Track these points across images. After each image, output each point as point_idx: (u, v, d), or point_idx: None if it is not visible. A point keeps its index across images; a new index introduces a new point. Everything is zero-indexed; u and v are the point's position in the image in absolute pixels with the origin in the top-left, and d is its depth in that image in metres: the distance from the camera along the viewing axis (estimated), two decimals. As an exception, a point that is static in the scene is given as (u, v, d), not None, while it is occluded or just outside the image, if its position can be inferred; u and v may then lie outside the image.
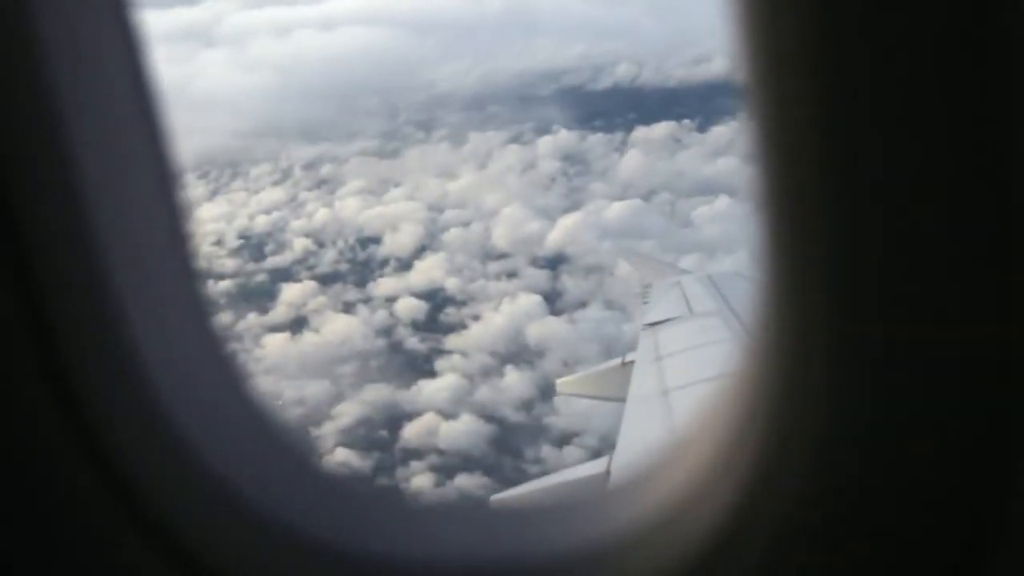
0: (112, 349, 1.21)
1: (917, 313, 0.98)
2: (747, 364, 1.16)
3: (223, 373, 1.40)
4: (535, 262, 61.63)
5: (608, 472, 9.21)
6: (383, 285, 61.45)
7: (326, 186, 78.89)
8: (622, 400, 10.95)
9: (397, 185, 76.77)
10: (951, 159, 0.93)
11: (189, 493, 1.27)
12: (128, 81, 1.23)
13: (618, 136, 76.76)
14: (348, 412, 48.76)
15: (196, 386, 1.32)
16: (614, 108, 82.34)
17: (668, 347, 11.99)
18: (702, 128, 70.74)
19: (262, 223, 72.44)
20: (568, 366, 49.68)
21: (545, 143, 78.20)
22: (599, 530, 1.25)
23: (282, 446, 1.40)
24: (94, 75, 1.18)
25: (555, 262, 61.09)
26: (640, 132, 74.99)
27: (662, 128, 72.55)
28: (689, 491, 1.20)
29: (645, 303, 14.85)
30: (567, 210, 66.97)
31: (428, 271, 62.19)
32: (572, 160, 75.54)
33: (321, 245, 68.03)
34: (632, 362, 12.15)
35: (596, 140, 76.86)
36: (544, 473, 41.62)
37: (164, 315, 1.30)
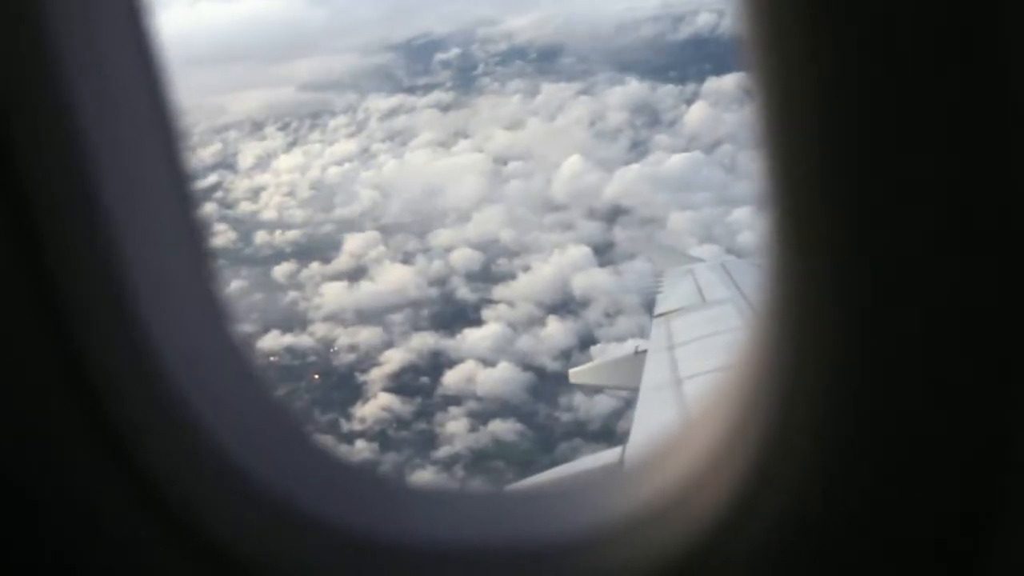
0: (127, 340, 1.21)
1: (922, 308, 0.99)
2: (752, 353, 1.18)
3: (234, 361, 1.40)
4: (590, 214, 62.36)
5: (622, 461, 9.20)
6: (442, 236, 62.97)
7: (399, 138, 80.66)
8: (635, 389, 11.01)
9: (466, 137, 77.98)
10: (958, 152, 0.93)
11: (202, 478, 1.28)
12: (139, 73, 1.24)
13: (690, 87, 76.40)
14: (395, 359, 50.56)
15: (208, 373, 1.33)
16: (690, 58, 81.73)
17: (681, 336, 12.04)
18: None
19: (333, 174, 74.60)
20: (610, 316, 50.61)
21: (615, 94, 78.37)
22: (604, 515, 1.27)
23: (296, 434, 1.41)
24: (106, 69, 1.20)
25: (610, 214, 61.69)
26: (712, 83, 74.57)
27: (733, 79, 71.93)
28: (692, 477, 1.21)
29: (659, 292, 14.75)
30: (629, 162, 67.27)
31: (486, 222, 63.46)
32: (640, 111, 75.55)
33: (388, 196, 69.77)
34: (645, 351, 12.15)
35: (666, 91, 76.59)
36: (574, 422, 42.86)
37: (177, 306, 1.31)
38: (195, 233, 1.35)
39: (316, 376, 51.12)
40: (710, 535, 1.16)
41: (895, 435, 1.05)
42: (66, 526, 1.29)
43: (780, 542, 1.13)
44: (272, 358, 52.14)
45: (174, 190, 1.31)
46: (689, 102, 74.41)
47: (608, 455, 10.06)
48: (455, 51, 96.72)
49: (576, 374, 15.50)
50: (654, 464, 1.32)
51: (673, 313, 13.08)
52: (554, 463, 39.52)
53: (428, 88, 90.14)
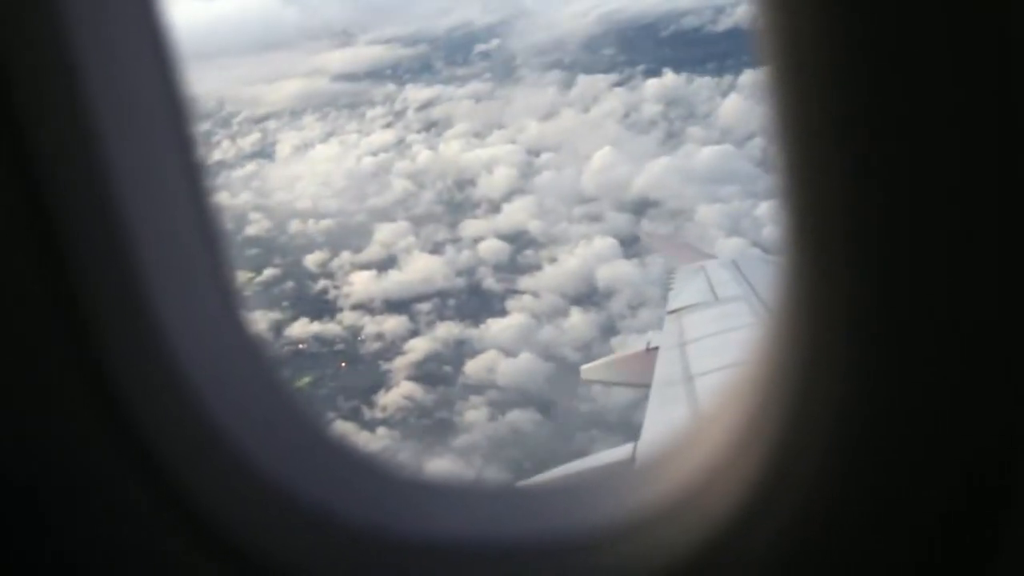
0: (142, 338, 1.22)
1: (936, 306, 0.99)
2: (764, 350, 1.17)
3: (250, 356, 1.40)
4: (619, 206, 62.42)
5: (633, 458, 9.28)
6: (471, 226, 63.39)
7: (434, 128, 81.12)
8: (647, 386, 11.07)
9: (501, 128, 78.30)
10: (976, 148, 0.92)
11: (218, 474, 1.28)
12: (153, 71, 1.24)
13: (727, 79, 76.05)
14: (419, 348, 51.06)
15: (223, 369, 1.33)
16: (728, 50, 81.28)
17: (693, 333, 12.13)
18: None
19: (368, 164, 75.26)
20: (633, 308, 50.72)
21: (651, 86, 78.17)
22: (615, 512, 1.27)
23: (312, 430, 1.41)
24: (120, 69, 1.19)
25: (638, 206, 61.72)
26: (749, 76, 74.07)
27: (770, 71, 71.22)
28: (704, 475, 1.21)
29: (670, 289, 14.87)
30: (660, 154, 67.17)
31: (516, 213, 63.75)
32: (675, 104, 75.34)
33: (421, 186, 70.33)
34: (657, 348, 12.23)
35: (702, 84, 76.35)
36: (593, 413, 43.06)
37: (193, 302, 1.30)
38: (209, 227, 1.34)
39: (343, 364, 51.79)
40: (722, 533, 1.16)
41: (907, 434, 1.05)
42: (81, 522, 1.30)
43: (792, 540, 1.13)
44: (301, 345, 52.98)
45: (188, 187, 1.31)
46: (725, 95, 74.14)
47: (620, 452, 10.12)
48: (495, 42, 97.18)
49: (588, 370, 15.43)
50: (666, 461, 1.32)
51: (685, 310, 13.12)
52: (571, 453, 40.16)
53: (466, 79, 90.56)
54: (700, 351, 11.37)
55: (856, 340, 1.02)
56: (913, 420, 1.04)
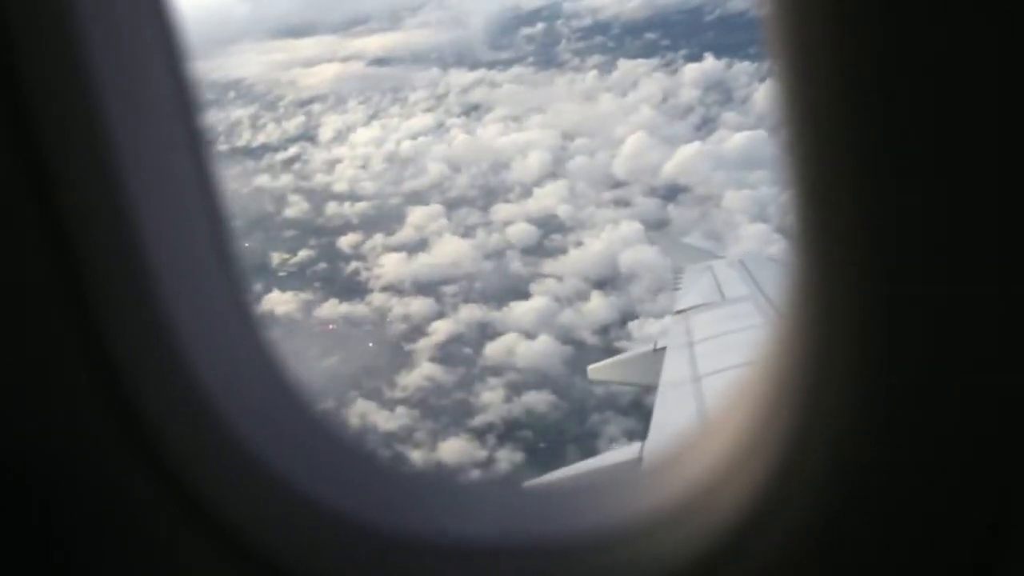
0: (151, 336, 1.21)
1: (946, 306, 0.98)
2: (773, 351, 1.16)
3: (258, 354, 1.39)
4: (649, 191, 62.74)
5: (641, 458, 9.22)
6: (502, 210, 64.17)
7: (474, 112, 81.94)
8: (654, 386, 10.87)
9: (539, 112, 78.84)
10: (987, 148, 0.91)
11: (225, 471, 1.28)
12: (164, 71, 1.24)
13: (766, 65, 75.48)
14: (443, 329, 52.02)
15: (231, 366, 1.33)
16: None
17: (700, 333, 11.88)
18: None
19: (407, 148, 76.32)
20: (653, 293, 51.14)
21: (691, 71, 78.09)
22: (623, 513, 1.26)
23: (320, 428, 1.41)
24: (130, 62, 1.19)
25: (668, 191, 61.97)
26: (789, 60, 73.52)
27: (810, 56, 70.64)
28: (712, 476, 1.20)
29: (677, 289, 14.58)
30: (694, 140, 67.28)
31: (546, 197, 64.42)
32: (714, 89, 75.21)
33: (457, 170, 71.22)
34: (664, 348, 11.94)
35: (742, 68, 76.07)
36: (607, 395, 43.52)
37: (201, 298, 1.30)
38: (219, 224, 1.33)
39: (370, 344, 52.94)
40: (730, 535, 1.15)
41: (916, 435, 1.04)
42: (88, 518, 1.30)
43: (800, 543, 1.12)
44: (331, 326, 54.25)
45: (198, 183, 1.31)
46: (763, 80, 73.77)
47: (628, 452, 9.98)
48: (540, 26, 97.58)
49: (595, 370, 14.82)
50: (674, 462, 1.32)
51: (692, 310, 12.89)
52: (583, 433, 40.72)
53: (509, 63, 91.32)
54: (707, 351, 11.14)
55: (864, 341, 1.02)
56: (920, 422, 1.03)
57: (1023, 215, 0.93)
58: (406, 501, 1.37)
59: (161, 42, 1.23)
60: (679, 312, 12.95)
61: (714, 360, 10.67)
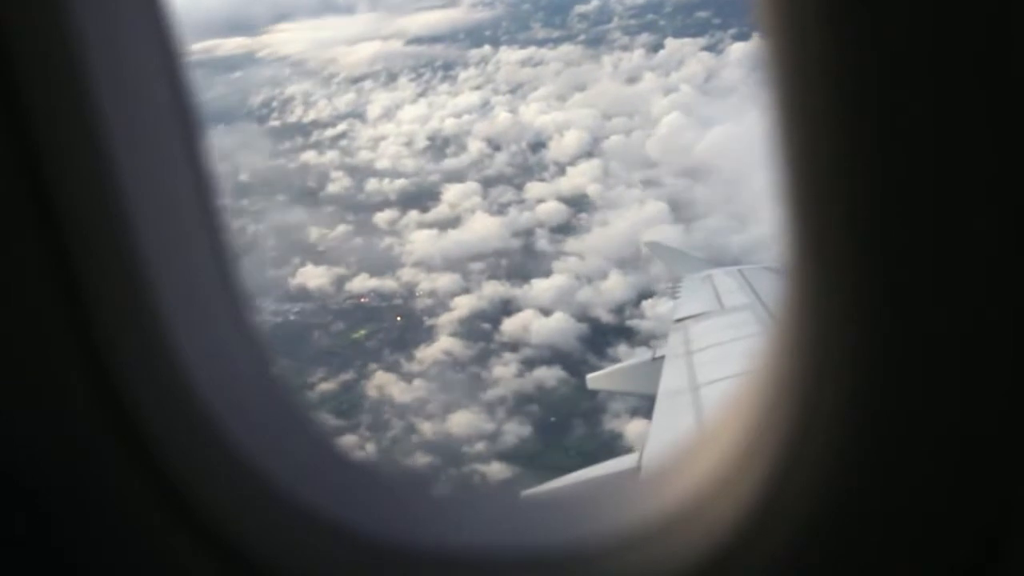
0: (150, 347, 1.21)
1: (942, 313, 0.97)
2: (770, 360, 1.16)
3: (256, 364, 1.40)
4: (679, 171, 63.12)
5: (639, 467, 9.33)
6: (536, 189, 65.18)
7: (520, 91, 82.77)
8: (652, 395, 10.98)
9: (583, 91, 79.41)
10: (983, 155, 0.90)
11: (223, 482, 1.28)
12: (159, 68, 1.24)
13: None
14: (465, 305, 53.32)
15: (230, 376, 1.33)
16: (824, 13, 79.84)
17: (699, 342, 11.96)
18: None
19: (451, 125, 77.56)
20: (670, 273, 51.67)
21: (737, 50, 77.94)
22: (621, 522, 1.26)
23: (317, 438, 1.42)
24: (129, 70, 1.19)
25: (697, 172, 62.31)
26: (837, 39, 72.91)
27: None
28: (710, 485, 1.20)
29: (676, 297, 14.72)
30: (731, 120, 67.34)
31: (578, 176, 65.20)
32: (757, 68, 74.84)
33: (497, 148, 72.30)
34: (663, 357, 12.02)
35: (788, 48, 75.57)
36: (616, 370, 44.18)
37: (199, 307, 1.30)
38: (217, 231, 1.33)
39: (399, 318, 54.44)
40: (728, 543, 1.15)
41: (914, 442, 1.04)
42: (84, 523, 1.30)
43: (797, 551, 1.12)
44: (362, 299, 55.91)
45: (196, 191, 1.31)
46: (807, 59, 73.33)
47: (625, 461, 10.14)
48: (594, 4, 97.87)
49: (594, 379, 15.15)
50: (672, 471, 1.31)
51: (691, 319, 13.01)
52: (591, 409, 41.52)
53: (560, 41, 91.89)
54: (706, 360, 11.24)
55: (862, 349, 1.02)
56: (919, 428, 1.04)
57: (1022, 215, 0.94)
58: (403, 511, 1.39)
59: (162, 52, 1.25)
60: (678, 321, 13.09)
61: (713, 369, 10.81)
